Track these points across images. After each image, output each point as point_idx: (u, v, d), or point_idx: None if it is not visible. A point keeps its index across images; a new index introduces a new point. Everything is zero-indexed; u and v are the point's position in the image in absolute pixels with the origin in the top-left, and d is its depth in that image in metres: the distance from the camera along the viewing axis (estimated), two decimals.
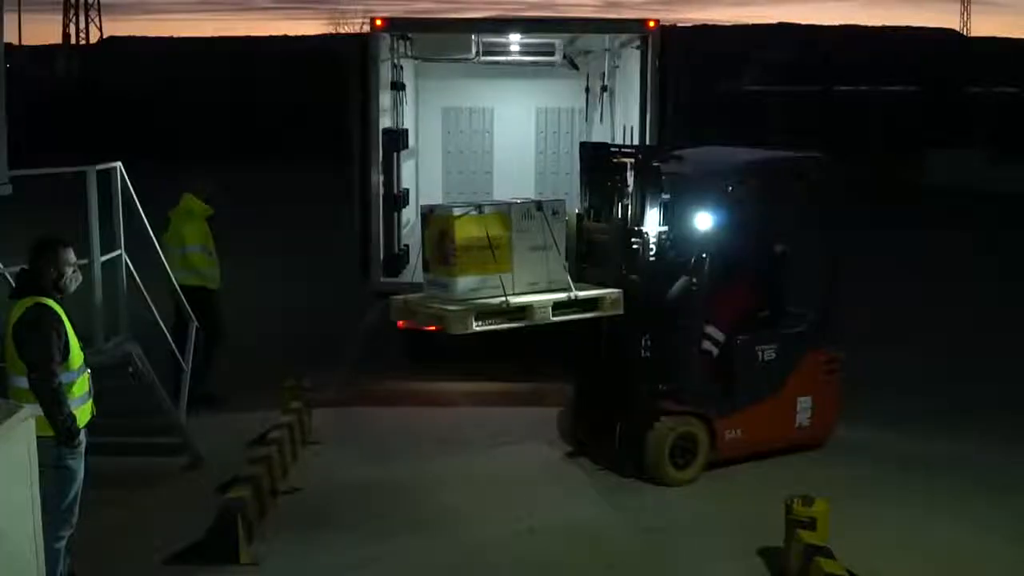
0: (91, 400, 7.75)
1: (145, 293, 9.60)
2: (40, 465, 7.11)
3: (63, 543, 7.60)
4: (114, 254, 8.98)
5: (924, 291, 19.13)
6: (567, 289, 9.86)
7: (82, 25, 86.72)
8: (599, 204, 10.80)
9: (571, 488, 10.15)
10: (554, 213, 10.01)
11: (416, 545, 8.89)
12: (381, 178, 12.85)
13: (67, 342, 7.42)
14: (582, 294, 9.90)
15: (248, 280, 14.62)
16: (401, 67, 13.91)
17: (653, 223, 10.22)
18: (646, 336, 10.14)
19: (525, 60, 15.62)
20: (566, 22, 13.95)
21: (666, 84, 12.62)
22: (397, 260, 13.20)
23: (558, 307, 9.73)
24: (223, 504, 8.80)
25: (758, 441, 10.49)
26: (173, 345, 10.54)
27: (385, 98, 13.13)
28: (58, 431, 7.32)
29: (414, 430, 11.66)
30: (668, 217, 10.31)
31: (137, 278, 9.37)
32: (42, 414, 7.24)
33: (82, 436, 7.60)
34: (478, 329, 9.39)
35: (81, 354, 7.62)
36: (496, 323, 9.50)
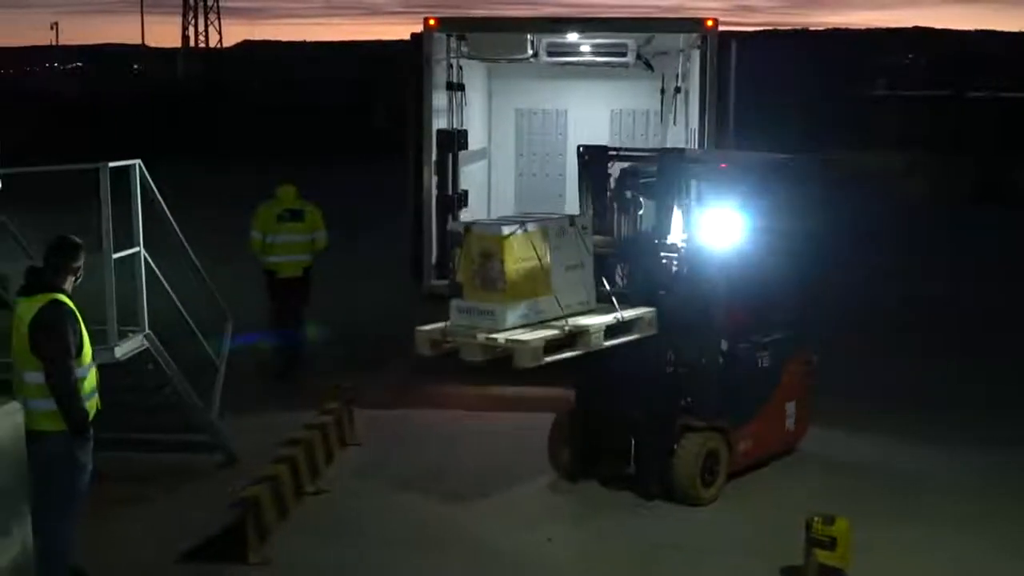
0: (96, 395, 7.78)
1: (169, 290, 9.63)
2: (48, 460, 7.23)
3: (69, 538, 7.66)
4: (132, 251, 8.99)
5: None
6: (606, 310, 9.35)
7: (202, 28, 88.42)
8: (601, 214, 10.21)
9: (586, 503, 9.83)
10: (583, 228, 9.49)
11: (430, 556, 8.76)
12: (435, 179, 12.75)
13: (81, 339, 7.47)
14: (627, 315, 9.36)
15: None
16: (460, 68, 13.79)
17: (677, 232, 9.81)
18: (670, 351, 9.71)
19: (597, 61, 15.38)
20: (623, 21, 13.70)
21: (726, 85, 12.31)
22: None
23: (608, 331, 9.20)
24: (234, 503, 8.78)
25: (760, 451, 10.29)
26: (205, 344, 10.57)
27: (440, 98, 13.03)
28: (72, 425, 7.36)
29: (455, 435, 11.53)
30: (691, 224, 9.90)
31: (160, 274, 9.38)
32: (52, 409, 7.32)
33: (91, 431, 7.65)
34: (546, 361, 8.76)
35: (91, 351, 7.66)
36: (558, 353, 8.88)
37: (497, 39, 13.81)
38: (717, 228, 9.71)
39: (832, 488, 10.01)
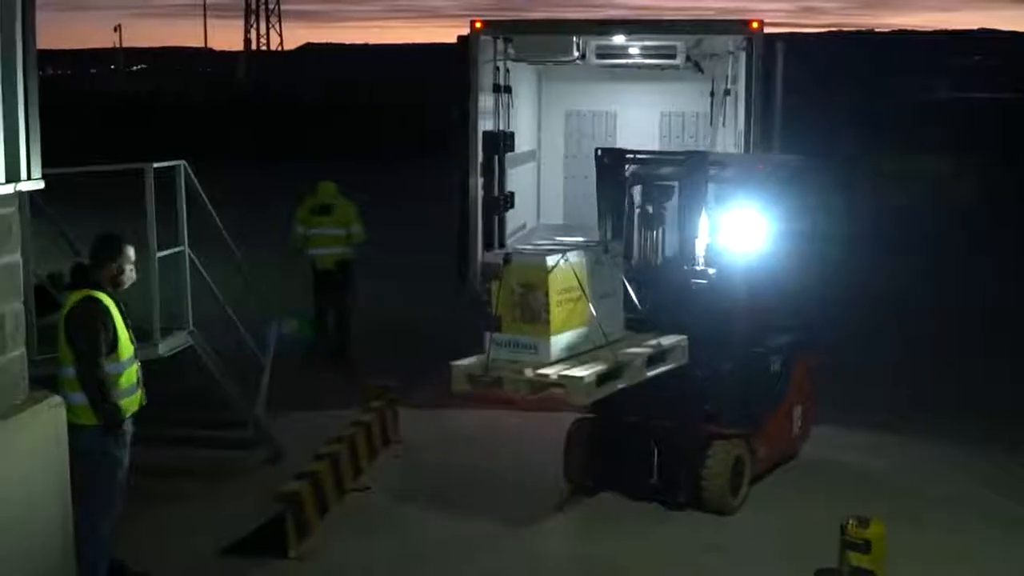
0: (140, 391, 7.92)
1: (214, 288, 9.79)
2: (84, 453, 7.39)
3: (105, 528, 7.79)
4: (176, 250, 9.16)
5: None
6: (635, 338, 9.20)
7: (263, 31, 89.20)
8: (618, 227, 9.94)
9: (616, 509, 9.73)
10: (615, 256, 9.35)
11: (468, 556, 8.80)
12: (480, 181, 12.84)
13: (115, 335, 7.62)
14: (664, 342, 9.22)
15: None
16: (508, 70, 13.87)
17: (701, 247, 9.60)
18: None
19: (646, 63, 15.39)
20: (667, 23, 13.69)
21: (772, 87, 12.29)
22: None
23: (649, 361, 9.01)
24: (275, 499, 8.91)
25: (774, 456, 10.16)
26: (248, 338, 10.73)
27: (487, 100, 13.12)
28: (102, 420, 7.52)
29: (497, 434, 11.61)
30: (715, 228, 9.71)
31: (204, 273, 9.54)
32: (87, 403, 7.49)
33: (128, 425, 7.80)
34: (598, 396, 8.56)
35: (131, 346, 7.81)
36: (606, 385, 8.62)
37: (543, 41, 13.87)
38: (740, 231, 9.58)
39: (865, 492, 9.91)
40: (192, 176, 9.24)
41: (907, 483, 10.21)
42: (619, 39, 14.02)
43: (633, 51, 14.90)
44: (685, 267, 9.57)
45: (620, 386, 8.66)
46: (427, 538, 9.08)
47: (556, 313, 8.56)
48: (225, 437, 10.72)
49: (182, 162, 9.08)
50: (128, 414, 7.72)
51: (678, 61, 15.29)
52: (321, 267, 13.90)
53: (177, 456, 10.41)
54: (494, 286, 8.79)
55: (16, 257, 6.92)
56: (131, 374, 7.78)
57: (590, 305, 8.83)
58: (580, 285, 8.72)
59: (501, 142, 13.44)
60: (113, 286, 7.71)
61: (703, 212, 9.52)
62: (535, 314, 8.57)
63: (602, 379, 8.46)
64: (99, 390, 7.48)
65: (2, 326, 6.80)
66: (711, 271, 9.62)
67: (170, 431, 10.18)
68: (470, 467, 10.66)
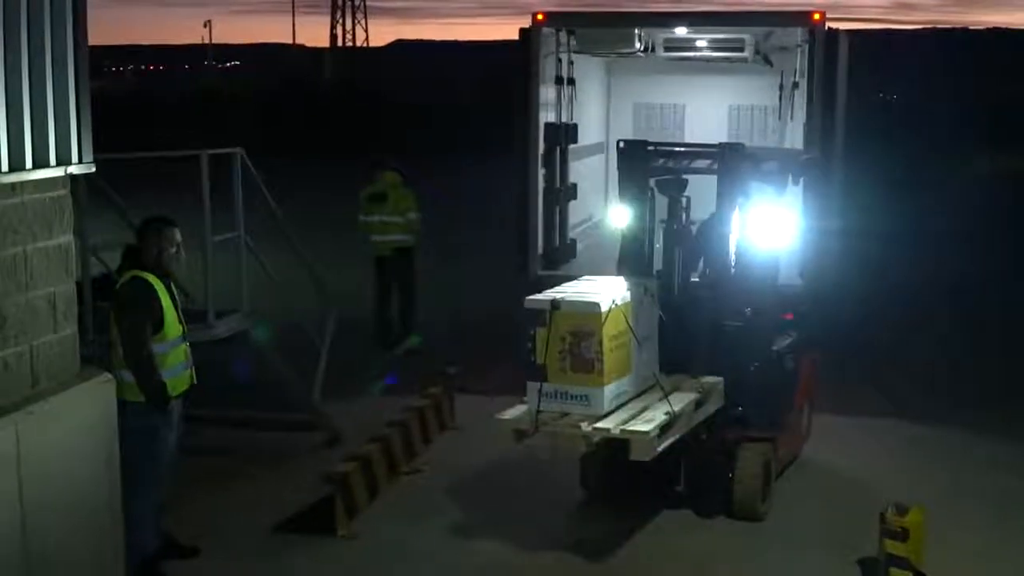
0: (189, 371, 8.14)
1: (270, 272, 10.01)
2: (132, 429, 7.62)
3: (152, 506, 8.02)
4: (233, 234, 9.40)
5: None
6: (679, 381, 8.85)
7: (350, 27, 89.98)
8: (641, 229, 9.42)
9: (650, 507, 9.46)
10: (653, 295, 8.94)
11: (514, 545, 8.80)
12: (542, 172, 12.96)
13: (162, 314, 7.85)
14: (705, 381, 8.87)
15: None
16: (571, 62, 13.98)
17: (733, 243, 9.19)
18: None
19: (714, 56, 15.41)
20: (728, 15, 13.70)
21: (834, 80, 12.24)
22: (557, 253, 13.27)
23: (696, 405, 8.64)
24: (325, 480, 9.10)
25: (788, 457, 9.89)
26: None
27: (548, 93, 13.23)
28: (148, 397, 7.75)
29: None
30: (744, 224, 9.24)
31: (261, 260, 9.77)
32: (133, 380, 7.73)
33: (177, 405, 8.02)
34: (660, 450, 8.07)
35: (179, 326, 8.02)
36: (667, 437, 8.17)
37: (604, 34, 13.95)
38: (768, 227, 9.24)
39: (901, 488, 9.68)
40: (249, 164, 9.46)
41: (947, 478, 10.12)
42: (684, 32, 14.06)
43: (701, 44, 14.94)
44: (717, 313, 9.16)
45: (676, 436, 8.28)
46: (473, 523, 9.18)
47: (610, 360, 8.14)
48: (284, 420, 10.93)
49: (239, 149, 9.32)
50: (175, 393, 7.92)
51: (747, 54, 15.31)
52: (378, 253, 14.25)
53: (235, 438, 10.66)
54: (539, 333, 8.22)
55: (68, 238, 7.14)
56: (179, 354, 7.98)
57: (633, 349, 8.48)
58: (630, 329, 8.39)
59: (563, 134, 13.54)
60: (158, 267, 7.92)
61: (736, 207, 9.11)
62: (587, 363, 8.11)
63: (662, 430, 8.07)
64: (145, 368, 7.71)
65: (54, 305, 7.01)
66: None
67: (229, 413, 10.45)
68: (522, 456, 10.73)
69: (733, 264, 9.20)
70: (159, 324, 7.82)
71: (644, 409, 8.28)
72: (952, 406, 12.00)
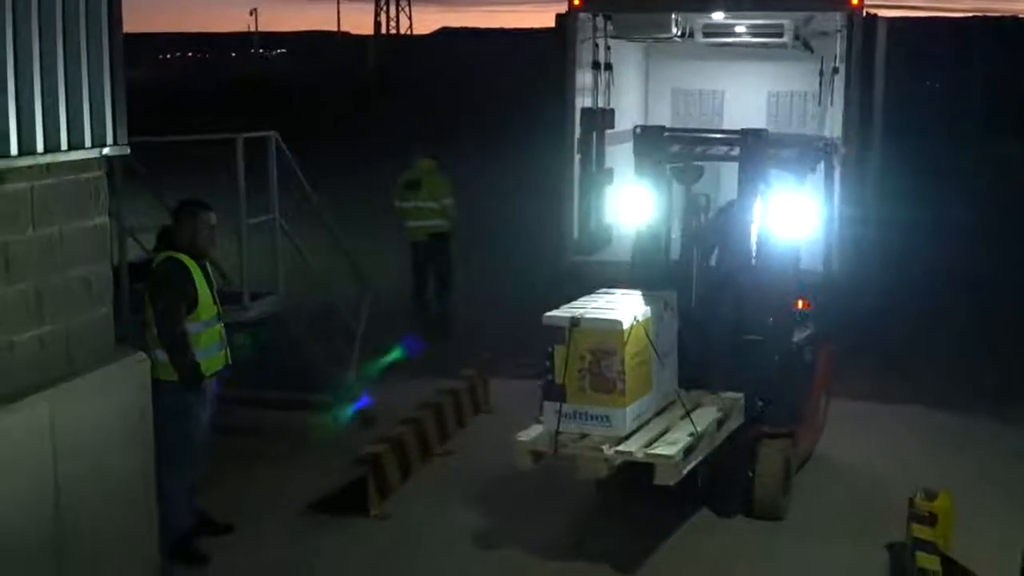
0: (223, 351, 8.26)
1: (305, 256, 10.10)
2: (166, 408, 7.74)
3: (186, 484, 8.15)
4: (267, 217, 9.51)
5: None
6: (698, 398, 8.61)
7: (394, 14, 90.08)
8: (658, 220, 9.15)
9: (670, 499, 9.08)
10: (672, 309, 8.66)
11: (544, 527, 8.85)
12: (577, 157, 12.99)
13: (196, 295, 7.96)
14: (727, 400, 8.66)
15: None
16: (608, 47, 13.98)
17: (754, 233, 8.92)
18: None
19: (753, 42, 15.34)
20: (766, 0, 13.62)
21: (871, 66, 12.18)
22: (593, 239, 13.29)
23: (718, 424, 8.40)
24: (358, 460, 9.20)
25: (805, 452, 9.67)
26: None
27: (585, 78, 13.25)
28: (181, 376, 7.86)
29: None
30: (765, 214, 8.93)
31: (296, 243, 9.87)
32: (167, 360, 7.86)
33: (210, 384, 8.14)
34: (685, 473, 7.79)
35: (213, 307, 8.14)
36: (691, 459, 7.90)
37: (641, 19, 13.92)
38: (789, 216, 9.02)
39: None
40: (284, 147, 9.57)
41: (972, 467, 10.08)
42: (722, 17, 14.01)
43: (740, 29, 14.86)
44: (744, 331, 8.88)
45: (699, 458, 8.02)
46: (502, 506, 9.25)
47: (632, 379, 7.85)
48: (318, 401, 11.02)
49: (274, 133, 9.42)
50: (209, 373, 8.04)
51: (786, 39, 15.21)
52: (413, 239, 14.38)
53: (269, 419, 10.77)
54: (557, 351, 7.90)
55: (104, 220, 7.25)
56: (212, 334, 8.10)
57: (654, 366, 8.20)
58: (651, 345, 8.10)
59: (600, 119, 13.55)
60: (192, 248, 8.04)
61: (757, 196, 8.83)
62: (608, 383, 7.81)
63: (686, 452, 7.81)
64: (178, 347, 7.82)
65: (89, 285, 7.12)
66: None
67: (263, 394, 10.57)
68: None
69: (754, 254, 8.95)
70: (193, 304, 7.94)
71: (666, 429, 8.03)
72: (976, 396, 11.94)
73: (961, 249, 19.85)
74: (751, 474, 8.82)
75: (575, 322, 7.84)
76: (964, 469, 9.91)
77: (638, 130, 9.37)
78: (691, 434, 7.90)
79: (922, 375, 12.61)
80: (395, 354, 11.13)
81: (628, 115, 15.27)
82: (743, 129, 9.09)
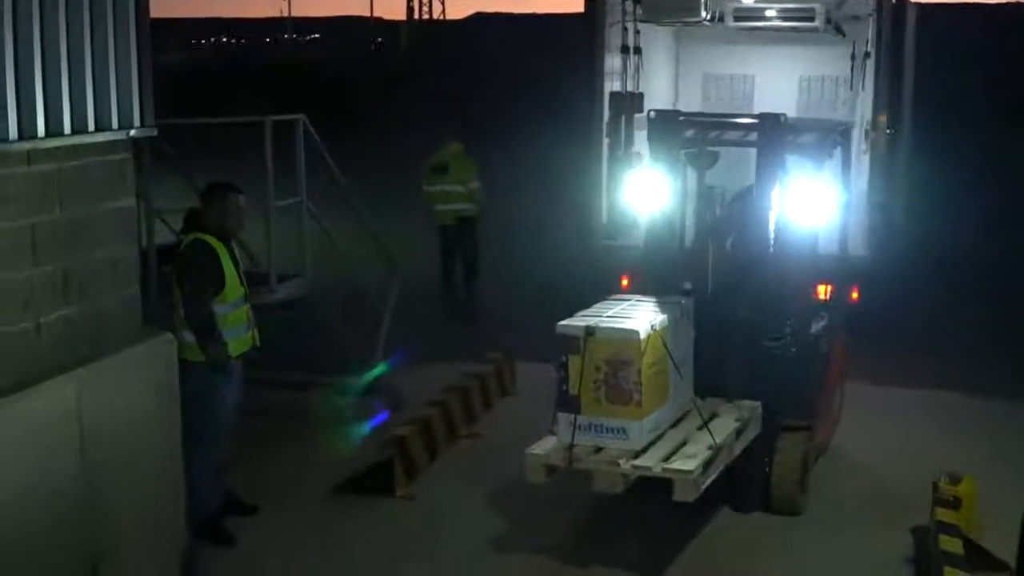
0: (251, 332, 8.32)
1: (333, 239, 10.16)
2: (193, 389, 7.81)
3: (212, 464, 8.22)
4: (295, 200, 9.57)
5: None
6: (715, 407, 8.43)
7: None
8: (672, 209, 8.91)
9: None
10: (689, 317, 8.45)
11: (569, 507, 8.85)
12: (606, 141, 12.98)
13: (222, 276, 8.02)
14: (745, 410, 8.44)
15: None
16: (638, 31, 13.94)
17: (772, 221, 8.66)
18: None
19: (784, 26, 15.25)
20: None
21: (901, 51, 12.10)
22: (621, 222, 13.27)
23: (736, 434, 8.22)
24: (384, 442, 9.26)
25: (821, 446, 9.45)
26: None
27: (613, 61, 13.23)
28: (208, 357, 7.93)
29: None
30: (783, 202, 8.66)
31: (324, 225, 9.93)
32: (194, 341, 7.92)
33: (237, 365, 8.20)
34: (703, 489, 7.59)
35: (240, 288, 8.21)
36: (709, 473, 7.71)
37: (669, 2, 13.86)
38: (809, 203, 8.73)
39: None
40: (311, 131, 9.62)
41: (992, 449, 10.06)
42: (752, 0, 13.94)
43: (770, 13, 14.77)
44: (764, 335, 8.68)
45: (719, 471, 7.85)
46: (528, 489, 9.17)
47: (648, 389, 7.63)
48: (345, 383, 11.08)
49: (302, 116, 9.48)
50: (236, 354, 8.11)
51: (818, 23, 15.08)
52: (440, 222, 14.52)
53: (297, 401, 10.85)
54: (572, 361, 7.68)
55: (131, 201, 7.30)
56: (239, 315, 8.16)
57: (671, 375, 8.02)
58: (668, 354, 7.89)
59: (628, 103, 13.53)
60: (220, 230, 8.11)
61: (776, 183, 8.57)
62: (625, 394, 7.60)
63: (705, 466, 7.63)
64: (205, 328, 7.89)
65: (117, 267, 7.17)
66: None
67: (291, 376, 10.64)
68: None
69: (772, 243, 8.72)
70: (220, 286, 8.01)
71: (684, 442, 7.85)
72: (1001, 380, 11.89)
73: (987, 236, 19.70)
74: (768, 469, 8.64)
75: (590, 331, 7.63)
76: (987, 452, 9.87)
77: (652, 114, 9.17)
78: (710, 447, 7.72)
79: (946, 360, 12.55)
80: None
81: (657, 99, 15.19)
82: (761, 114, 8.86)
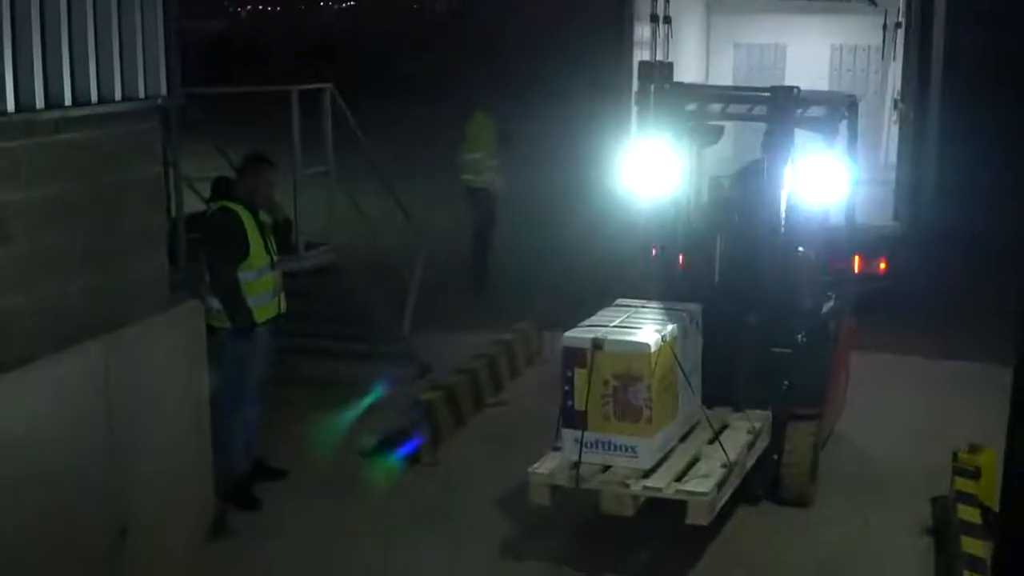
0: (277, 299, 8.40)
1: (360, 208, 10.24)
2: (219, 354, 7.93)
3: (239, 428, 8.33)
4: (322, 168, 9.66)
5: None
6: (723, 417, 8.06)
7: None
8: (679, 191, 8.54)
9: None
10: (698, 324, 8.03)
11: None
12: (635, 110, 12.99)
13: (247, 244, 8.12)
14: (757, 422, 8.05)
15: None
16: (667, 0, 13.93)
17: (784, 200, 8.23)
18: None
19: None
20: None
21: (930, 20, 12.05)
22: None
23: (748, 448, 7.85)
24: (411, 408, 9.37)
25: (827, 433, 9.00)
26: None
27: (643, 31, 13.23)
28: (233, 323, 8.05)
29: None
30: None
31: (352, 195, 10.01)
32: (220, 307, 8.04)
33: (263, 331, 8.29)
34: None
35: (266, 256, 8.29)
36: (724, 492, 7.38)
37: None
38: (818, 182, 8.38)
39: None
40: (339, 99, 9.70)
41: None
42: None
43: None
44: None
45: (732, 489, 7.51)
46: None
47: (658, 404, 7.24)
48: (374, 352, 11.18)
49: (329, 85, 9.55)
50: (261, 320, 8.20)
51: None
52: (464, 189, 14.45)
53: (326, 368, 10.96)
54: (578, 375, 7.30)
55: (158, 169, 7.43)
56: (265, 283, 8.24)
57: (681, 387, 7.64)
58: (678, 365, 7.53)
59: (658, 72, 13.53)
60: (250, 199, 8.20)
61: (788, 160, 8.17)
62: (635, 411, 7.20)
63: (720, 486, 7.28)
64: (230, 295, 8.00)
65: (144, 234, 7.28)
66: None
67: (319, 344, 10.76)
68: None
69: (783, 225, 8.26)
70: (245, 253, 8.10)
71: (696, 459, 7.51)
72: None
73: (1021, 206, 19.55)
74: (778, 458, 8.28)
75: (598, 344, 7.22)
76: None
77: (666, 87, 8.94)
78: (724, 465, 7.38)
79: (974, 332, 12.52)
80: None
81: (688, 69, 15.22)
82: (773, 87, 8.47)
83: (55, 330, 6.47)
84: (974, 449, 8.02)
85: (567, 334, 7.45)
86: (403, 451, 9.15)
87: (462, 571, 7.69)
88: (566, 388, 7.33)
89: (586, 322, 7.66)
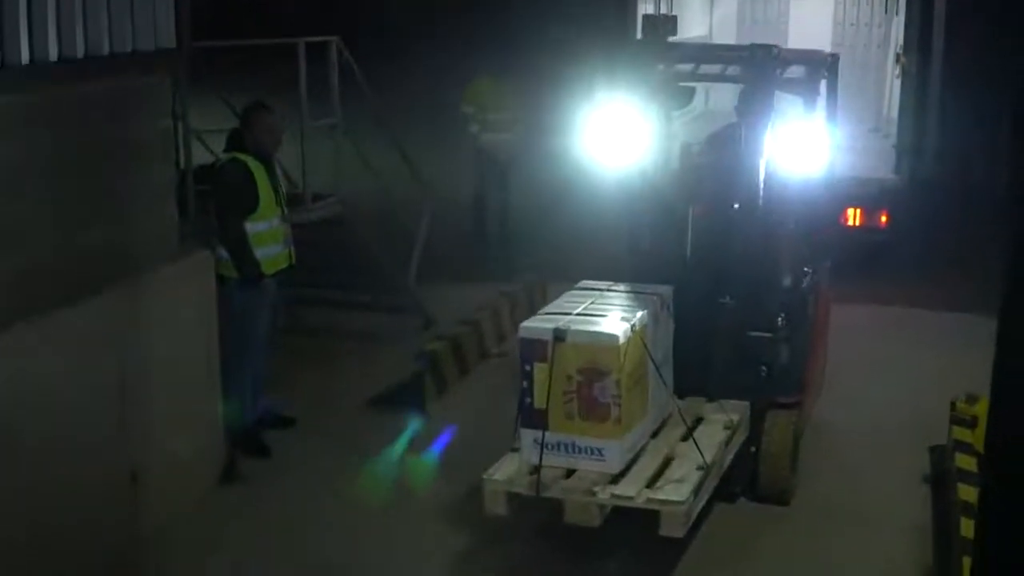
0: (286, 251, 8.50)
1: (368, 163, 10.33)
2: (227, 305, 8.05)
3: (249, 376, 8.45)
4: (328, 121, 9.73)
5: None
6: (697, 410, 7.39)
7: None
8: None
9: None
10: (669, 308, 7.30)
11: None
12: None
13: (256, 195, 8.21)
14: (735, 416, 7.34)
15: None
16: None
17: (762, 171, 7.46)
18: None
19: None
20: None
21: None
22: None
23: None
24: (416, 357, 9.49)
25: (808, 416, 8.30)
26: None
27: None
28: (242, 274, 8.16)
29: None
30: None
31: (359, 148, 10.09)
32: (228, 257, 8.16)
33: (272, 282, 8.41)
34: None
35: (275, 207, 8.39)
36: (700, 498, 6.61)
37: None
38: (799, 152, 7.69)
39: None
40: (345, 52, 9.75)
41: None
42: None
43: None
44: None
45: (708, 495, 6.79)
46: None
47: (628, 401, 6.48)
48: (379, 304, 11.30)
49: (336, 38, 9.61)
50: (270, 271, 8.31)
51: None
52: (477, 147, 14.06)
53: (333, 319, 11.09)
54: (537, 370, 6.51)
55: (167, 121, 7.50)
56: (274, 234, 8.34)
57: (651, 380, 6.89)
58: (648, 356, 6.77)
59: (659, 24, 13.50)
60: (257, 150, 8.29)
61: (767, 126, 7.41)
62: (602, 410, 6.44)
63: (696, 491, 6.51)
64: (238, 245, 8.11)
65: (154, 185, 7.37)
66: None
67: (327, 296, 10.88)
68: None
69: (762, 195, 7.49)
70: (254, 204, 8.19)
71: (668, 459, 6.77)
72: None
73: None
74: (755, 450, 7.55)
75: (559, 335, 6.43)
76: None
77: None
78: (700, 467, 6.62)
79: (976, 284, 12.59)
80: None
81: (692, 23, 15.23)
82: (752, 44, 7.61)
83: (68, 279, 6.55)
84: (972, 398, 8.13)
85: (524, 324, 6.73)
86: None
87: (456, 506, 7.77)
88: (524, 384, 6.56)
89: (546, 309, 7.05)
